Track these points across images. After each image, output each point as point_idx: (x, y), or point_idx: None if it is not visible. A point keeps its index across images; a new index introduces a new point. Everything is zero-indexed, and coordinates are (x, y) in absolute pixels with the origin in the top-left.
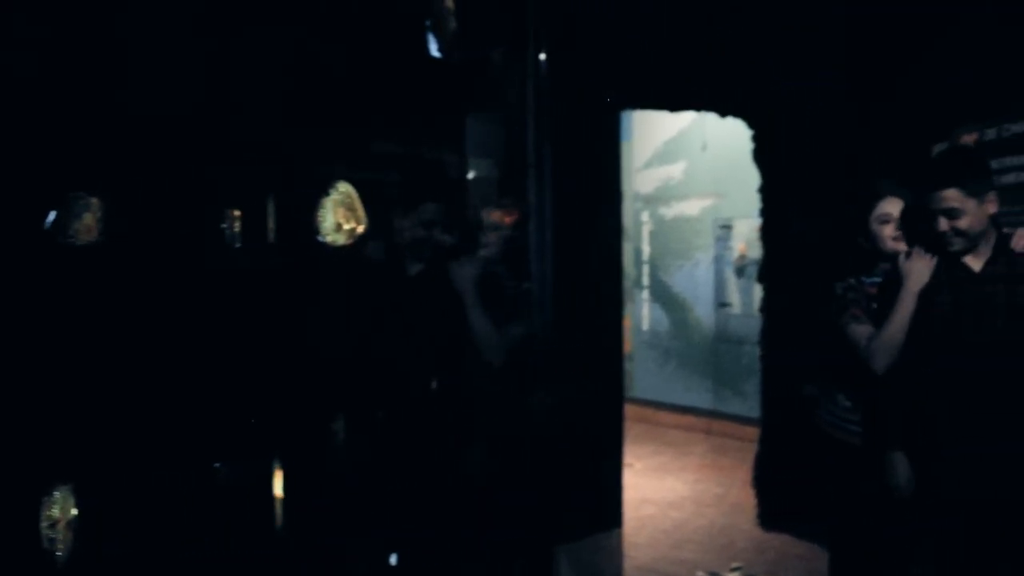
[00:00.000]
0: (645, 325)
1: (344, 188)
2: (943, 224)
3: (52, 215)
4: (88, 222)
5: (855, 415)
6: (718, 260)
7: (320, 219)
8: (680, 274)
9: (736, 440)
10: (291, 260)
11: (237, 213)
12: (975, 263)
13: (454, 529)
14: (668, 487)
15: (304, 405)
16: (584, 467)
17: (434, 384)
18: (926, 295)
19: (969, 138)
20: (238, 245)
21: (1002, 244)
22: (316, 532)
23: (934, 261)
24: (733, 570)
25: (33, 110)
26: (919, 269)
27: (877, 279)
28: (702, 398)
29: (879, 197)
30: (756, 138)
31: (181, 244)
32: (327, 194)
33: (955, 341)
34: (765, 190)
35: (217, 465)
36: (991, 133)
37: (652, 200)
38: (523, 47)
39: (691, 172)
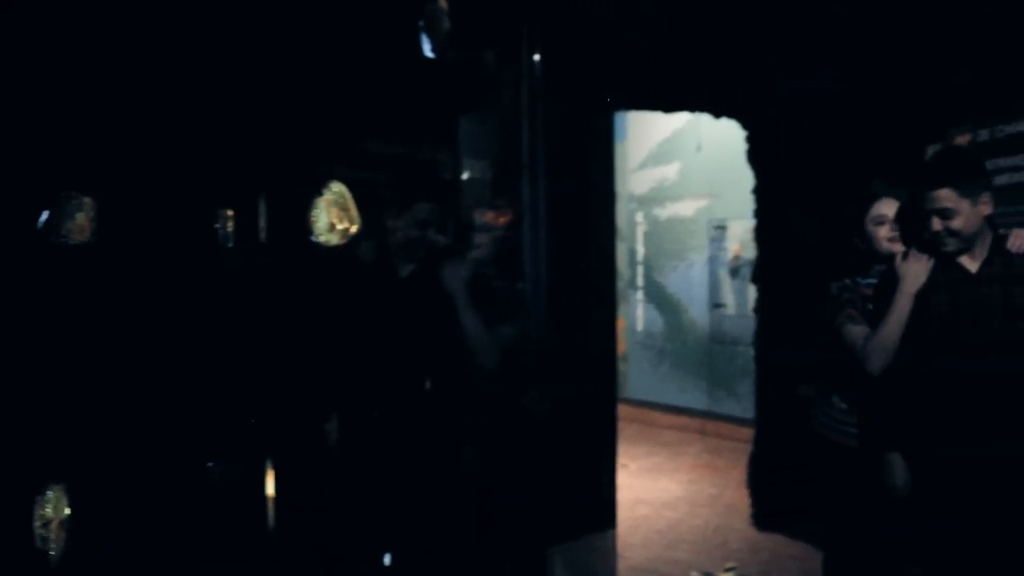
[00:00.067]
0: (639, 326)
1: (337, 188)
2: (936, 224)
3: (45, 214)
4: (81, 222)
5: (850, 417)
6: (712, 261)
7: (313, 219)
8: (674, 275)
9: (730, 441)
10: (284, 260)
11: (230, 213)
12: (971, 264)
13: (448, 529)
14: (662, 487)
15: (298, 405)
16: (578, 467)
17: (428, 384)
18: (922, 296)
19: (963, 139)
20: (231, 245)
21: (998, 245)
22: (310, 532)
23: (931, 263)
24: (727, 570)
25: (27, 110)
26: (915, 270)
27: (872, 280)
28: (696, 399)
29: (874, 198)
30: (750, 139)
31: (174, 244)
32: (320, 194)
33: (951, 342)
34: (759, 191)
35: (210, 465)
36: (984, 134)
37: (646, 201)
38: (517, 48)
39: (685, 173)
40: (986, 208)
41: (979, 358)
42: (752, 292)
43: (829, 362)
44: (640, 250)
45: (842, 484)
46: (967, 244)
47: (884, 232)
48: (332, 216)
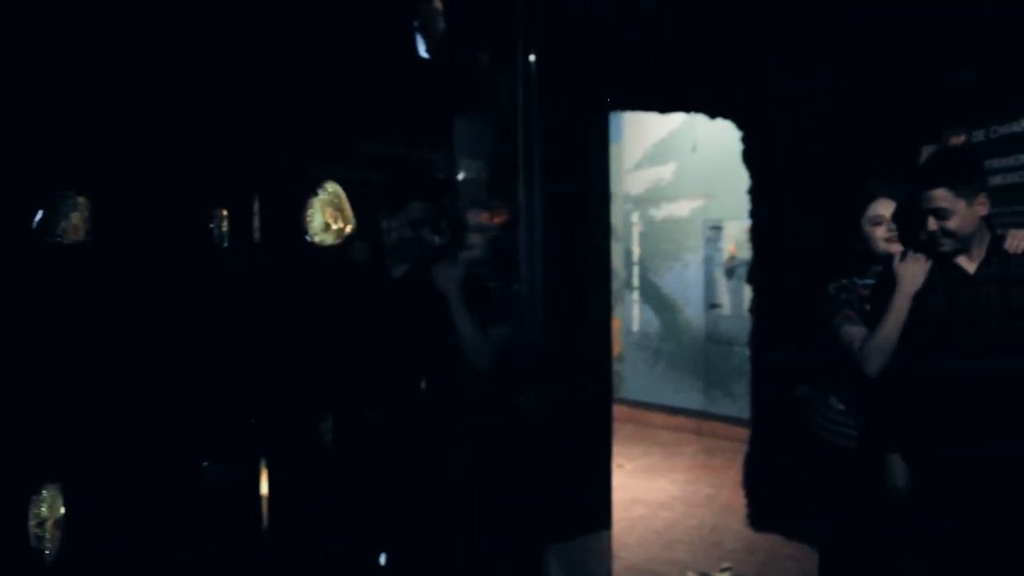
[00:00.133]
0: (635, 326)
1: (332, 188)
2: (932, 224)
3: (40, 214)
4: (76, 221)
5: (847, 418)
6: (708, 261)
7: (308, 219)
8: (670, 275)
9: (726, 441)
10: (279, 260)
11: (225, 213)
12: (969, 265)
13: (443, 529)
14: (659, 488)
15: (293, 405)
16: (574, 468)
17: (423, 385)
18: (920, 296)
19: (957, 140)
20: (226, 245)
21: (996, 246)
22: (305, 532)
23: (928, 264)
24: (723, 570)
25: (22, 109)
26: (913, 271)
27: (869, 281)
28: (692, 399)
29: (871, 198)
30: (746, 139)
31: (169, 243)
32: (315, 194)
33: (949, 342)
34: (755, 191)
35: (206, 464)
36: (979, 135)
37: (642, 201)
38: (512, 48)
39: (681, 173)
40: (982, 209)
41: (977, 359)
42: (748, 292)
43: (826, 362)
44: (636, 250)
45: (840, 485)
46: (963, 245)
47: (881, 232)
48: (327, 216)
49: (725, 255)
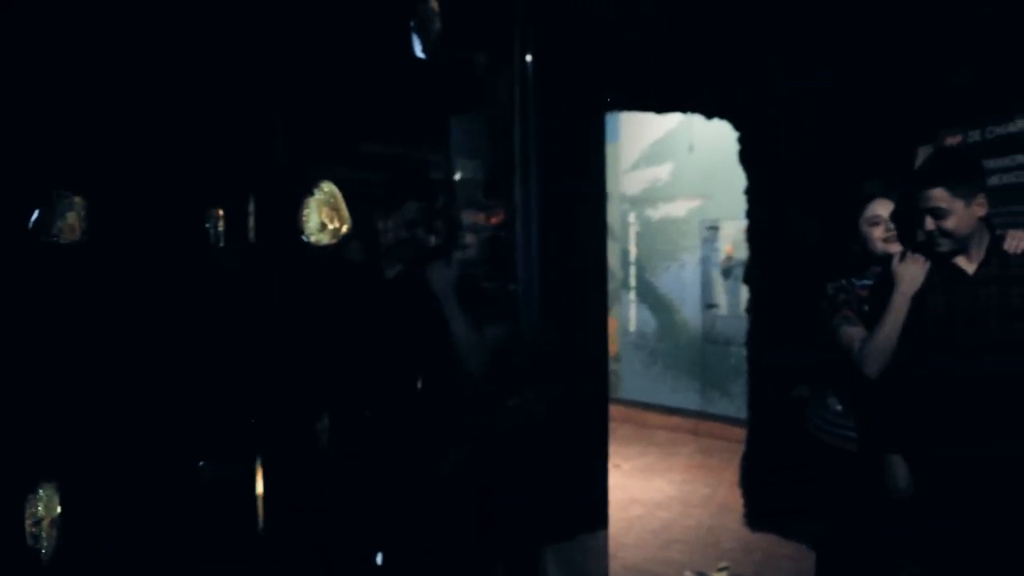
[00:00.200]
0: (632, 326)
1: (328, 188)
2: (929, 224)
3: (36, 214)
4: (72, 221)
5: (846, 419)
6: (705, 261)
7: (304, 219)
8: (667, 275)
9: (723, 441)
10: (275, 260)
11: (221, 212)
12: (968, 265)
13: (440, 529)
14: (656, 488)
15: (289, 404)
16: (571, 468)
17: (419, 385)
18: (919, 297)
19: (953, 140)
20: (222, 244)
21: (995, 246)
22: (301, 532)
23: (927, 265)
24: (720, 570)
25: (17, 109)
26: (912, 272)
27: (868, 282)
28: (689, 399)
29: (868, 199)
30: (742, 140)
31: (165, 243)
32: (311, 194)
33: (948, 343)
34: (751, 191)
35: (202, 464)
36: (975, 135)
37: (639, 201)
38: (509, 49)
39: (678, 173)
40: (981, 210)
41: (976, 359)
42: (744, 292)
43: (825, 363)
44: (633, 250)
45: (839, 486)
46: (961, 245)
47: (879, 233)
48: (323, 216)
49: (722, 255)
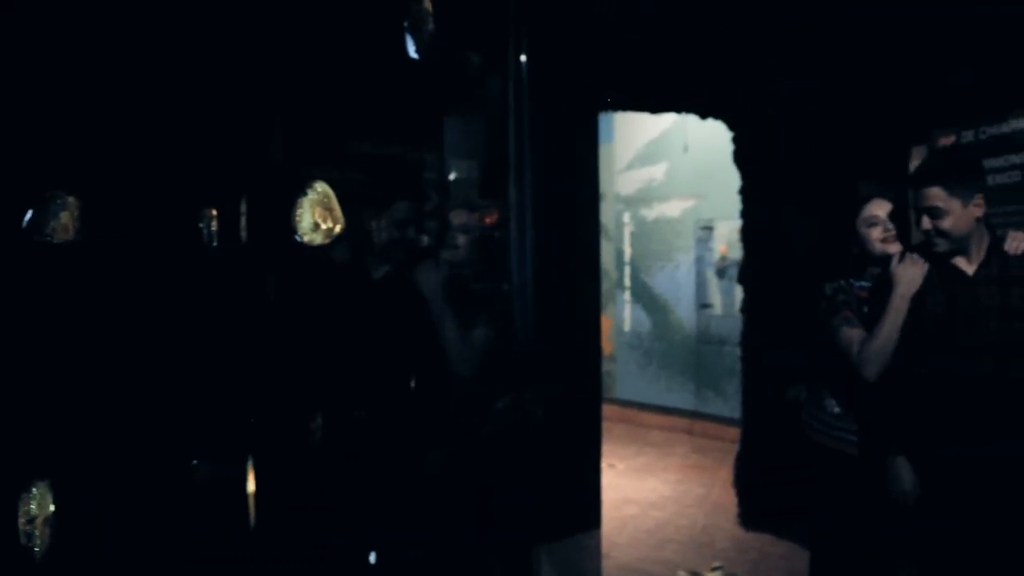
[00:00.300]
0: (627, 326)
1: (321, 188)
2: (926, 223)
3: (29, 213)
4: (65, 221)
5: (842, 421)
6: (699, 261)
7: (297, 218)
8: (661, 275)
9: (718, 440)
10: (268, 259)
11: (214, 212)
12: (968, 266)
13: (435, 529)
14: (650, 487)
15: (282, 404)
16: (564, 467)
17: (412, 384)
18: (918, 298)
19: (946, 140)
20: (215, 244)
21: (995, 246)
22: (293, 531)
23: (926, 266)
24: (714, 569)
25: (10, 109)
26: (911, 273)
27: (866, 283)
28: (684, 399)
29: (865, 200)
30: (737, 140)
31: (158, 243)
32: (304, 193)
33: (948, 344)
34: (746, 191)
35: (195, 463)
36: (969, 135)
37: (633, 201)
38: (503, 49)
39: (672, 174)
40: (979, 210)
41: (976, 360)
42: (739, 292)
43: (822, 364)
44: (627, 250)
45: (836, 487)
46: (959, 245)
47: (877, 234)
48: (316, 216)
49: (716, 255)
